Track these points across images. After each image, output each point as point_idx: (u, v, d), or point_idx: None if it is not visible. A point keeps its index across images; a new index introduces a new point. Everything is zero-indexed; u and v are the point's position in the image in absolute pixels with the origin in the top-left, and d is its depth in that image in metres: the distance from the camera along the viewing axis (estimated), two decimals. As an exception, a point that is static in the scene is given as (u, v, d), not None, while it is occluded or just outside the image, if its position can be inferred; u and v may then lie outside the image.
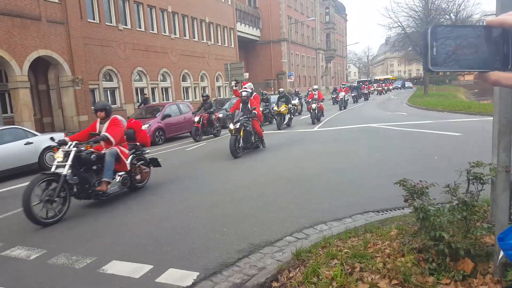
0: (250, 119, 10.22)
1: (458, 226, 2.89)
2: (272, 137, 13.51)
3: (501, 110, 2.60)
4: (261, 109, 18.13)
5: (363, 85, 40.23)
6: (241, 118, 9.88)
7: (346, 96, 26.72)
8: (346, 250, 3.48)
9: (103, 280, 3.63)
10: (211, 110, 14.95)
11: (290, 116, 17.64)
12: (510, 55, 0.71)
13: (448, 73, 62.42)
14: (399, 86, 63.93)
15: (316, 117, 17.54)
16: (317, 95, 17.86)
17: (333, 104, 29.78)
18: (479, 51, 0.72)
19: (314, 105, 17.43)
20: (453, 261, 2.80)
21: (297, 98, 23.49)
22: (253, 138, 10.36)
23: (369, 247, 3.47)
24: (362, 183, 6.44)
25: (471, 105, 21.91)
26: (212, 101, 16.69)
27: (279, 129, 16.08)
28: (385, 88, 51.68)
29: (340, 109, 24.99)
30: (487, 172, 3.05)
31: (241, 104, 10.39)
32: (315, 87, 19.08)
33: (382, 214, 4.85)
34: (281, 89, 19.56)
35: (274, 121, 17.95)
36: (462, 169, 3.37)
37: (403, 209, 4.73)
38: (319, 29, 61.76)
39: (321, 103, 18.38)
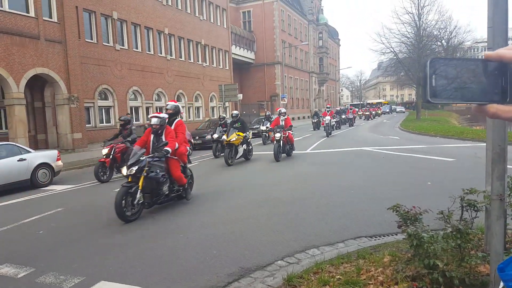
0: (161, 159, 6.75)
1: (452, 254, 2.85)
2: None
3: (494, 138, 2.61)
4: (216, 135, 14.36)
5: (348, 109, 35.89)
6: (142, 158, 6.37)
7: (332, 120, 23.99)
8: (338, 276, 3.42)
9: (89, 304, 3.52)
10: (129, 139, 10.93)
11: (248, 147, 13.35)
12: (509, 88, 0.71)
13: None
14: (387, 110, 63.69)
15: (284, 151, 12.98)
16: (284, 121, 13.29)
17: (314, 129, 28.28)
18: (478, 83, 0.72)
19: (278, 135, 12.61)
20: (447, 290, 2.75)
21: (269, 123, 19.23)
22: (166, 188, 6.80)
23: (361, 274, 3.41)
24: (355, 207, 6.39)
25: (464, 130, 22.14)
26: (134, 128, 11.73)
27: (228, 164, 12.12)
28: (373, 112, 47.54)
29: (327, 136, 21.70)
30: (481, 199, 3.04)
31: (152, 136, 6.97)
32: (283, 110, 13.98)
33: (375, 240, 4.80)
34: (235, 112, 14.34)
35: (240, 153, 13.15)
36: (455, 195, 3.36)
37: (396, 234, 4.68)
38: (312, 53, 62.75)
39: (290, 132, 13.37)
